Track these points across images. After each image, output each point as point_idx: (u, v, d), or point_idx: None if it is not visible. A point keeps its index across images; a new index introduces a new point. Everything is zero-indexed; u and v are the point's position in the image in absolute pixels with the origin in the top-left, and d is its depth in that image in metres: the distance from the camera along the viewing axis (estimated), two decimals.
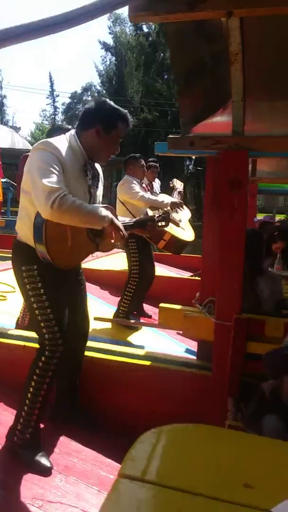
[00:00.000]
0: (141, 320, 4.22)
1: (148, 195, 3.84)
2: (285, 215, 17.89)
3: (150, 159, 4.79)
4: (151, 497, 0.88)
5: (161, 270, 6.24)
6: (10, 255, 2.06)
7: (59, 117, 39.23)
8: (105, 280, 5.05)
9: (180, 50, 1.85)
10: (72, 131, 1.98)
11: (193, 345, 3.82)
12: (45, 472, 1.88)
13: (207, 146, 2.02)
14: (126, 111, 1.99)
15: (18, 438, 1.95)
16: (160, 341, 3.74)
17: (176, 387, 2.31)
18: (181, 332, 2.61)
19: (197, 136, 2.08)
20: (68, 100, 37.75)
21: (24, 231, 1.92)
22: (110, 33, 31.82)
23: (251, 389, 1.98)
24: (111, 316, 3.98)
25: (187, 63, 1.87)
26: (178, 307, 2.49)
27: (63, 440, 2.15)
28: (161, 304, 2.58)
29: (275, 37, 1.73)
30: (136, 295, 3.93)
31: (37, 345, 2.22)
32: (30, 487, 1.78)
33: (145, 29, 30.12)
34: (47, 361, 1.94)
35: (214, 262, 2.17)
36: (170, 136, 2.15)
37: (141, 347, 3.31)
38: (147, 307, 4.49)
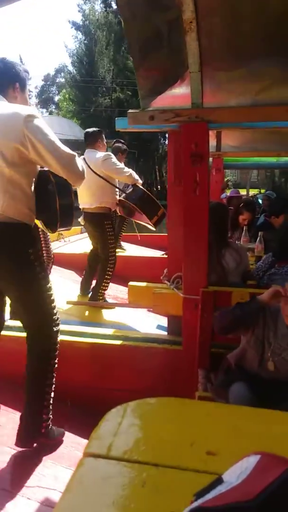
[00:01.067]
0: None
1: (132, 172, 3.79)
2: (258, 189, 18.09)
3: (120, 141, 4.68)
4: (116, 473, 0.88)
5: (132, 250, 6.24)
6: None
7: (33, 100, 38.29)
8: (78, 264, 5.01)
9: (133, 21, 1.79)
10: None
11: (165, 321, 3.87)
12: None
13: (168, 120, 1.99)
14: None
15: (45, 428, 1.95)
16: (133, 319, 3.76)
17: (149, 364, 2.33)
18: (151, 309, 2.62)
19: (157, 109, 2.04)
20: (41, 83, 36.70)
21: (19, 209, 1.75)
22: (79, 11, 30.79)
23: (220, 359, 2.02)
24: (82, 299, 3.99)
25: (141, 34, 1.81)
26: (146, 284, 2.49)
27: None
28: (130, 283, 2.58)
29: (230, 3, 1.69)
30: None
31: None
32: (6, 473, 1.78)
33: (114, 6, 29.15)
34: (56, 348, 1.94)
35: (180, 238, 2.17)
36: (129, 111, 2.10)
37: (115, 326, 3.32)
38: (119, 288, 4.50)
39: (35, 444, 1.96)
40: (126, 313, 3.86)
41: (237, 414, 1.16)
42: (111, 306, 3.92)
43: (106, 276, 3.92)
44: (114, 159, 3.76)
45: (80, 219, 3.91)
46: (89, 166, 3.62)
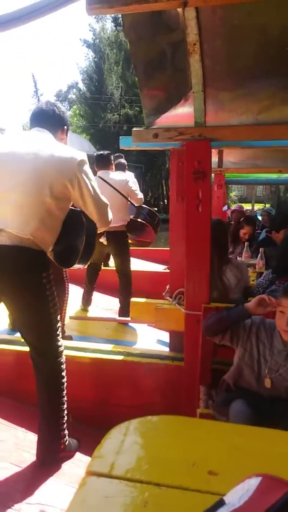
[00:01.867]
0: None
1: None
2: (263, 204, 18.16)
3: (121, 156, 4.77)
4: (118, 492, 0.88)
5: (136, 264, 6.25)
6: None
7: None
8: (77, 277, 5.02)
9: (138, 42, 1.83)
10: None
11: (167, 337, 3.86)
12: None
13: (171, 138, 2.03)
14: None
15: (64, 443, 2.00)
16: (134, 334, 3.76)
17: (150, 380, 2.33)
18: (153, 324, 2.63)
19: (161, 128, 2.08)
20: (52, 99, 37.54)
21: (45, 236, 1.84)
22: (90, 30, 31.62)
23: (222, 376, 2.01)
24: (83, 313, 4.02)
25: (146, 54, 1.86)
26: (149, 300, 2.50)
27: None
28: (133, 299, 2.59)
29: (232, 26, 1.73)
30: None
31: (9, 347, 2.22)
32: (8, 489, 1.77)
33: None
34: (63, 365, 1.99)
35: (182, 254, 2.18)
36: (134, 129, 2.13)
37: (115, 341, 3.32)
38: (116, 301, 4.48)
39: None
40: (126, 328, 3.86)
41: (239, 433, 1.16)
42: (113, 321, 3.92)
43: (129, 293, 3.99)
44: (132, 182, 4.08)
45: (103, 240, 3.95)
46: (112, 186, 3.82)
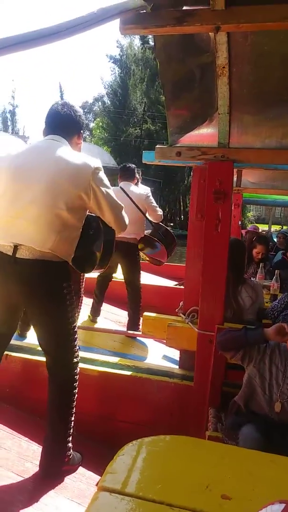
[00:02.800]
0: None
1: None
2: (280, 226, 18.09)
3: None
4: (130, 510, 0.87)
5: (147, 278, 6.25)
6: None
7: None
8: (87, 287, 5.03)
9: (168, 63, 1.87)
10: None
11: (175, 354, 3.83)
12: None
13: (194, 157, 2.05)
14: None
15: (68, 457, 1.98)
16: (141, 348, 3.74)
17: (158, 398, 2.30)
18: (163, 340, 2.61)
19: (184, 146, 2.11)
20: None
21: (64, 248, 1.85)
22: (118, 47, 32.53)
23: (231, 399, 1.99)
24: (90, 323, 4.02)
25: (175, 74, 1.90)
26: (162, 316, 2.49)
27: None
28: (145, 313, 2.58)
29: (261, 51, 1.76)
30: None
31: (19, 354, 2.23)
32: (8, 500, 1.75)
33: (151, 42, 30.77)
34: (77, 377, 1.98)
35: (198, 272, 2.18)
36: (157, 146, 2.16)
37: (121, 354, 3.30)
38: (125, 314, 4.47)
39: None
40: (134, 342, 3.84)
41: (253, 459, 1.14)
42: (122, 334, 3.91)
43: (140, 305, 4.02)
44: (152, 197, 4.03)
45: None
46: (130, 198, 3.83)
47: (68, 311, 1.89)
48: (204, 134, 2.12)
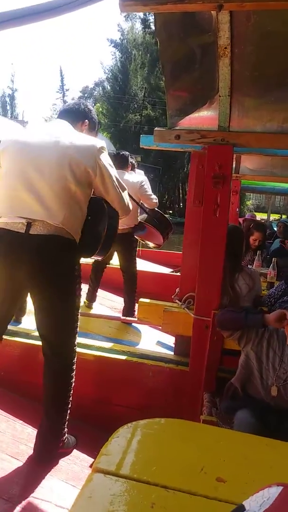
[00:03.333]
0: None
1: None
2: (279, 215, 18.03)
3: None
4: (125, 492, 0.86)
5: (143, 265, 6.24)
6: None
7: None
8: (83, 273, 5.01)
9: (169, 42, 1.82)
10: None
11: (170, 340, 3.84)
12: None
13: (193, 140, 2.01)
14: None
15: (63, 441, 1.98)
16: (134, 334, 3.75)
17: (153, 382, 2.31)
18: (159, 327, 2.60)
19: (183, 129, 2.07)
20: (77, 95, 38.30)
21: (74, 225, 1.83)
22: (118, 30, 32.00)
23: (226, 384, 1.99)
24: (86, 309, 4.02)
25: (175, 55, 1.85)
26: (157, 302, 2.48)
27: None
28: (141, 299, 2.57)
29: (265, 32, 1.72)
30: None
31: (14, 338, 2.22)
32: (2, 482, 1.75)
33: (152, 27, 30.26)
34: (75, 362, 1.98)
35: (194, 258, 2.16)
36: (156, 128, 2.12)
37: (115, 340, 3.30)
38: (120, 300, 4.48)
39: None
40: (129, 328, 3.85)
41: (248, 442, 1.14)
42: (118, 320, 3.91)
43: (135, 291, 4.04)
44: (147, 184, 3.96)
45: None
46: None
47: (76, 295, 1.88)
48: (204, 117, 2.08)
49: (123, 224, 3.83)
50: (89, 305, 4.20)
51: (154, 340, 3.78)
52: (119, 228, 3.66)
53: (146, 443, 1.07)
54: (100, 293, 4.45)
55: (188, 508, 0.84)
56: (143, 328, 3.93)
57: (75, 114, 2.03)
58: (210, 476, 0.94)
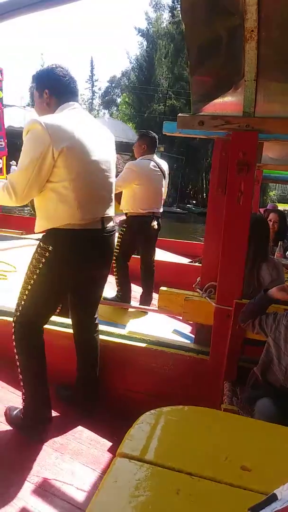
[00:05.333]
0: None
1: None
2: None
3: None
4: (150, 477, 0.87)
5: (162, 256, 6.23)
6: (14, 235, 2.07)
7: (96, 101, 40.82)
8: None
9: (194, 25, 1.78)
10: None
11: (189, 331, 3.84)
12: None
13: (217, 126, 1.97)
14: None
15: (21, 412, 2.03)
16: (151, 322, 3.76)
17: (173, 371, 2.31)
18: (180, 317, 2.60)
19: (207, 115, 2.03)
20: (105, 85, 38.37)
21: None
22: (146, 19, 31.96)
23: (247, 374, 1.98)
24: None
25: (200, 38, 1.80)
26: (178, 291, 2.47)
27: (60, 420, 2.15)
28: (162, 288, 2.56)
29: None
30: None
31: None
32: (26, 463, 1.79)
33: (179, 15, 29.93)
34: None
35: (217, 247, 2.14)
36: (179, 114, 2.09)
37: (132, 328, 3.31)
38: (138, 289, 4.47)
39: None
40: (145, 315, 3.86)
41: (271, 432, 1.13)
42: (137, 309, 3.92)
43: (153, 280, 4.08)
44: None
45: (155, 224, 3.93)
46: (163, 173, 3.86)
47: None
48: (228, 103, 2.03)
49: (158, 207, 3.90)
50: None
51: (171, 329, 3.78)
52: (143, 210, 3.73)
53: (170, 430, 1.08)
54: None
55: (214, 496, 0.84)
56: (161, 317, 3.94)
57: (76, 88, 2.01)
58: (234, 464, 0.94)
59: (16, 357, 1.96)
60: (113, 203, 2.06)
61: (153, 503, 0.79)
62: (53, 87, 1.91)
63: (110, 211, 2.03)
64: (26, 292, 1.92)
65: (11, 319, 2.02)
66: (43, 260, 1.87)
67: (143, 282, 4.12)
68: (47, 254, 1.86)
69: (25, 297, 1.93)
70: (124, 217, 3.98)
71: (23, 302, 1.93)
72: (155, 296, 4.33)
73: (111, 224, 2.05)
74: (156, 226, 3.91)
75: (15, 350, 1.96)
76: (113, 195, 2.05)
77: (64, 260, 1.89)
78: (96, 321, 2.29)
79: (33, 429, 1.98)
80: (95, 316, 2.28)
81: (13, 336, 1.95)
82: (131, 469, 0.88)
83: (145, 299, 4.07)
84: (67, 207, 1.82)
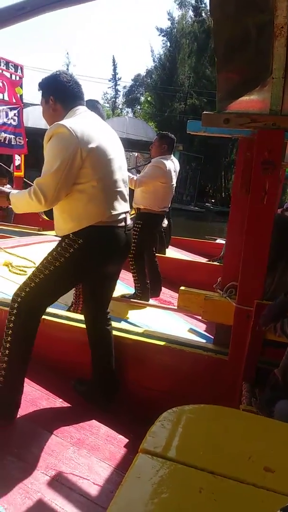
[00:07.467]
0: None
1: None
2: None
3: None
4: (172, 474, 0.86)
5: (177, 254, 6.22)
6: (31, 231, 2.12)
7: (120, 100, 41.55)
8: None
9: (224, 21, 1.76)
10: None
11: (204, 330, 3.82)
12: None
13: (243, 124, 1.95)
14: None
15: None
16: (165, 320, 3.76)
17: (191, 369, 2.30)
18: (199, 316, 2.58)
19: (232, 113, 2.00)
20: (129, 83, 38.78)
21: None
22: (169, 19, 31.96)
23: (266, 375, 1.96)
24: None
25: (229, 34, 1.78)
26: (198, 291, 2.45)
27: (77, 415, 2.17)
28: (182, 288, 2.55)
29: None
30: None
31: (56, 319, 2.33)
32: (43, 457, 1.81)
33: (203, 15, 29.86)
34: None
35: (239, 248, 2.11)
36: (204, 112, 2.07)
37: (146, 326, 3.32)
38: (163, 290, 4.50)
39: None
40: (157, 314, 3.86)
41: None
42: (156, 307, 3.92)
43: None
44: None
45: (166, 221, 4.26)
46: (176, 173, 4.01)
47: None
48: (255, 101, 2.00)
49: (168, 205, 4.04)
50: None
51: (186, 327, 3.78)
52: (159, 208, 3.84)
53: (192, 428, 1.07)
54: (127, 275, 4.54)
55: (236, 495, 0.83)
56: (176, 315, 3.94)
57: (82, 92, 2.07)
58: (257, 464, 0.93)
59: (6, 339, 1.93)
60: (128, 199, 2.13)
61: (176, 500, 0.79)
62: (58, 93, 1.97)
63: (128, 207, 2.11)
64: (37, 280, 1.92)
65: None
66: (70, 251, 1.90)
67: (151, 273, 4.26)
68: (75, 246, 1.90)
69: (33, 284, 1.92)
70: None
71: (28, 289, 1.92)
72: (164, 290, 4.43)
73: (130, 221, 2.12)
74: (165, 224, 4.23)
75: (6, 332, 1.93)
76: (128, 191, 2.14)
77: (92, 254, 1.94)
78: (109, 316, 2.33)
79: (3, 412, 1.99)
80: (108, 310, 2.34)
81: (10, 318, 1.93)
82: (154, 466, 0.87)
83: (155, 288, 4.27)
84: (96, 206, 1.89)
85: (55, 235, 2.15)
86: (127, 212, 2.09)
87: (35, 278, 1.93)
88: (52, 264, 1.92)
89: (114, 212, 1.96)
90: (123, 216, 2.03)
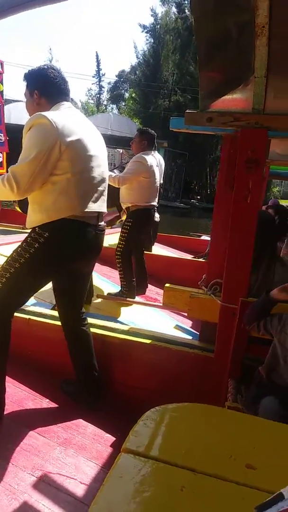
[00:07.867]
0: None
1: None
2: None
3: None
4: (155, 473, 0.87)
5: (163, 251, 6.23)
6: (15, 229, 2.10)
7: (105, 96, 41.10)
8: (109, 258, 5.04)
9: (204, 20, 1.76)
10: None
11: (190, 326, 3.84)
12: None
13: (225, 123, 1.96)
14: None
15: None
16: (153, 318, 3.77)
17: (177, 367, 2.31)
18: (185, 313, 2.60)
19: (215, 112, 2.01)
20: (113, 80, 38.80)
21: None
22: (152, 15, 31.87)
23: (252, 372, 1.98)
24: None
25: (210, 33, 1.79)
26: (183, 288, 2.46)
27: (64, 414, 2.17)
28: (167, 285, 2.56)
29: None
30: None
31: (41, 319, 2.31)
32: (30, 457, 1.80)
33: (186, 11, 29.87)
34: None
35: (223, 244, 2.13)
36: (187, 111, 2.07)
37: (133, 323, 3.33)
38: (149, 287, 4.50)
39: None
40: (143, 311, 3.86)
41: (276, 430, 1.13)
42: (142, 304, 3.92)
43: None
44: None
45: (157, 216, 4.22)
46: (160, 167, 4.14)
47: None
48: (238, 99, 2.02)
49: (154, 199, 4.02)
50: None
51: (172, 324, 3.80)
52: (147, 203, 3.85)
53: (175, 427, 1.08)
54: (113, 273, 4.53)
55: (218, 493, 0.84)
56: (162, 312, 3.95)
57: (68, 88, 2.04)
58: (239, 462, 0.94)
59: None
60: (106, 200, 2.08)
61: (158, 499, 0.79)
62: (43, 88, 1.94)
63: (104, 207, 2.05)
64: (3, 279, 1.88)
65: (21, 314, 2.02)
66: (35, 245, 1.84)
67: (138, 270, 4.26)
68: (41, 240, 1.84)
69: (0, 284, 1.89)
70: (111, 216, 4.16)
71: None
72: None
73: (103, 222, 2.08)
74: (157, 218, 4.17)
75: None
76: (106, 192, 2.09)
77: (59, 249, 1.89)
78: (84, 315, 2.29)
79: None
80: (82, 310, 2.29)
81: None
82: (136, 465, 0.88)
83: (141, 285, 4.26)
84: (67, 200, 1.84)
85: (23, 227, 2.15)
86: (102, 212, 2.04)
87: (1, 278, 1.89)
88: (17, 261, 1.87)
89: (86, 209, 1.91)
90: (95, 215, 1.99)
